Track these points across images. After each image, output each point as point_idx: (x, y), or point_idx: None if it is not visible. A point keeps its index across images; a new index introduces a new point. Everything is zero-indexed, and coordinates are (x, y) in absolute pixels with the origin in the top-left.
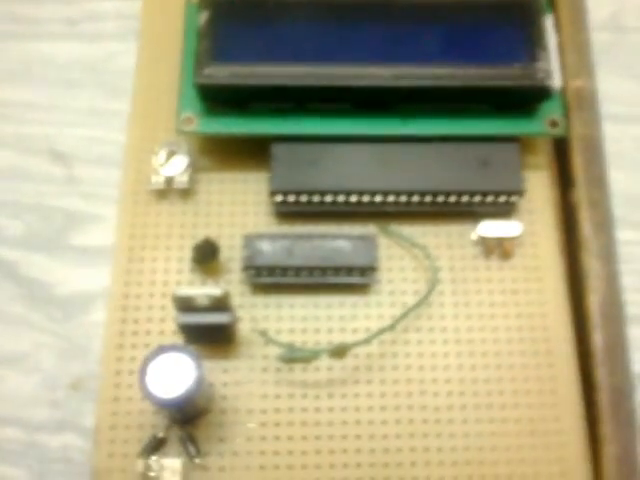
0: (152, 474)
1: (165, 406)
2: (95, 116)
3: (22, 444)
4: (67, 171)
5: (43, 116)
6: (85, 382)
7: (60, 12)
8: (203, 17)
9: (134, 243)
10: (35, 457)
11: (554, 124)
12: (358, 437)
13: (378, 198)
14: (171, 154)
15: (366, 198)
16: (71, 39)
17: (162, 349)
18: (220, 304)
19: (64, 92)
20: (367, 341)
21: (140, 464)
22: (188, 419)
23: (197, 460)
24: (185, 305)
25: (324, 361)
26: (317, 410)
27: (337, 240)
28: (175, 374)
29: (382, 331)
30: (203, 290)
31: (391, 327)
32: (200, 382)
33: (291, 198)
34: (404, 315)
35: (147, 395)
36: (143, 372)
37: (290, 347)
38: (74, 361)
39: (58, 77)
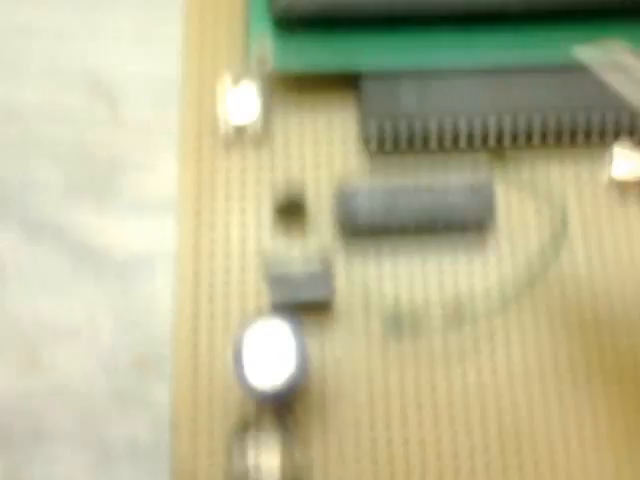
0: (250, 458)
1: (265, 399)
2: (141, 43)
3: (83, 425)
4: (112, 111)
5: (79, 45)
6: (149, 357)
7: None
8: None
9: (201, 196)
10: (98, 438)
11: None
12: (482, 404)
13: (491, 132)
14: (240, 94)
15: (477, 131)
16: None
17: (255, 324)
18: (320, 276)
19: (101, 16)
20: (486, 300)
21: (235, 447)
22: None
23: (295, 440)
24: (279, 279)
25: (439, 325)
26: (432, 379)
27: (447, 190)
28: (274, 354)
29: (504, 287)
30: (301, 265)
31: (515, 282)
32: (306, 362)
33: (387, 138)
34: (530, 268)
35: (245, 387)
36: (239, 357)
37: (398, 313)
38: (135, 334)
39: None
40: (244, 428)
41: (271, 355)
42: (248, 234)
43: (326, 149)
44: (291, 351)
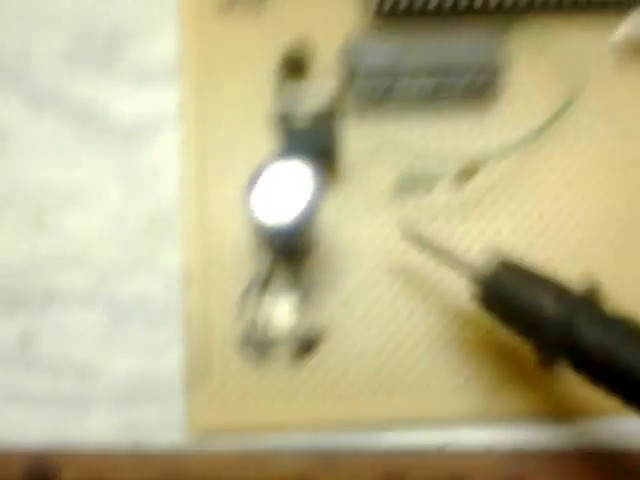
0: (261, 314)
1: (273, 236)
2: None
3: (94, 286)
4: None
5: None
6: (157, 219)
7: None
8: None
9: (204, 58)
10: (109, 300)
11: None
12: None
13: None
14: None
15: None
16: None
17: (270, 162)
18: (325, 121)
19: None
20: (500, 156)
21: (248, 303)
22: (293, 254)
23: (308, 297)
24: (287, 123)
25: (444, 185)
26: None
27: (454, 53)
28: (287, 192)
29: (517, 144)
30: (309, 105)
31: (527, 139)
32: (320, 197)
33: None
34: (543, 128)
35: (256, 223)
36: (249, 190)
37: (409, 168)
38: (142, 197)
39: None
40: (256, 283)
41: (284, 191)
42: (253, 93)
43: (331, 9)
44: (305, 188)
